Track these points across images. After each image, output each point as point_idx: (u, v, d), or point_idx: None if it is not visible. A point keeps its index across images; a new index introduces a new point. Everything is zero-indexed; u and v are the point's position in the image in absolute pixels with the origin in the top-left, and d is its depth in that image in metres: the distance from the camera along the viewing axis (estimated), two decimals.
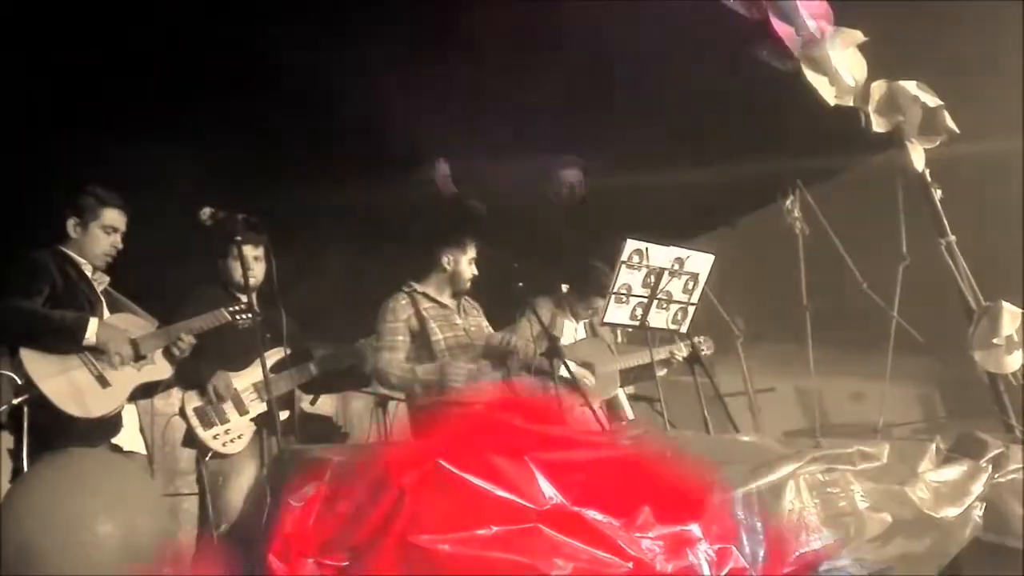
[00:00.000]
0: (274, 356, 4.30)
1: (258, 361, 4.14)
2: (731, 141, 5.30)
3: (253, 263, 4.44)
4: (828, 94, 5.05)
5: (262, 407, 4.37)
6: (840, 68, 5.04)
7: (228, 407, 4.34)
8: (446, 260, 4.59)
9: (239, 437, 4.31)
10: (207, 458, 4.24)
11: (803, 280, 5.61)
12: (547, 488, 2.28)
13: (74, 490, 2.18)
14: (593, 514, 2.32)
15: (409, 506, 2.15)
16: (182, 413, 4.33)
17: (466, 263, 4.59)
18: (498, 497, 2.21)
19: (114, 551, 2.08)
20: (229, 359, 4.34)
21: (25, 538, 2.08)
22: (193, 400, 4.33)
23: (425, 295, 4.54)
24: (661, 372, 4.84)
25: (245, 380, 4.39)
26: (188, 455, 4.67)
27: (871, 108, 5.28)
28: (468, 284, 4.60)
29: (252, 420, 4.37)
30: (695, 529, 2.49)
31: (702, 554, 2.45)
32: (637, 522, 2.38)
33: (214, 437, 4.26)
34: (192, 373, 4.26)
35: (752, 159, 5.41)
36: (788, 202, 5.80)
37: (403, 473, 2.18)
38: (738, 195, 6.06)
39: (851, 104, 5.19)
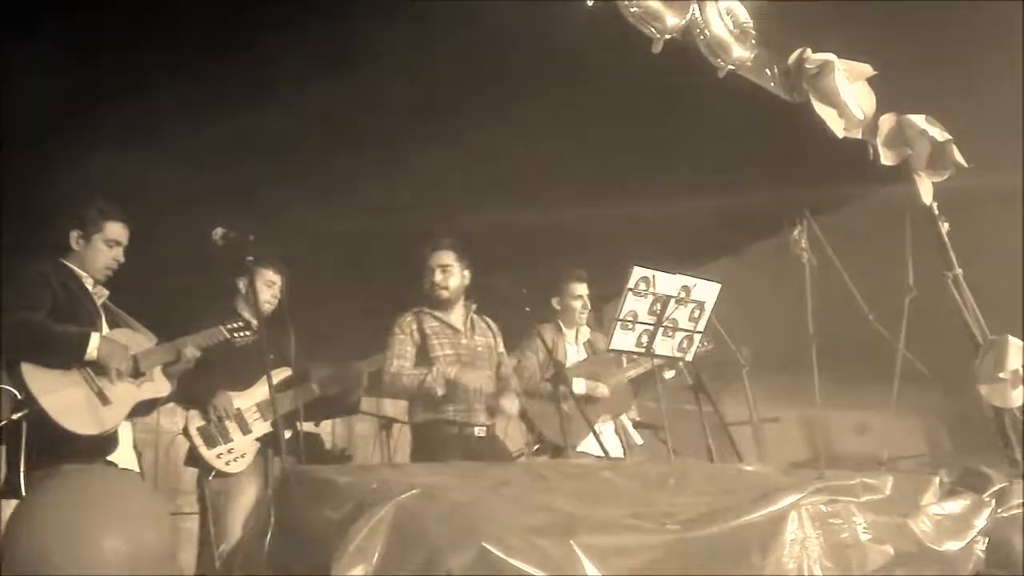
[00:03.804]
0: (279, 376, 4.34)
1: (261, 380, 4.18)
2: (739, 170, 5.33)
3: (267, 287, 4.54)
4: (837, 126, 5.09)
5: (265, 427, 4.40)
6: (849, 101, 5.08)
7: (231, 426, 4.36)
8: (424, 276, 4.61)
9: (242, 456, 4.33)
10: (210, 477, 4.25)
11: (810, 310, 5.61)
12: (593, 574, 2.28)
13: (82, 506, 2.18)
14: None
15: None
16: (185, 432, 4.35)
17: (438, 274, 4.59)
18: None
19: (121, 567, 2.09)
20: (234, 378, 4.37)
21: (34, 553, 2.09)
22: (196, 419, 4.35)
23: (431, 314, 4.55)
24: (670, 374, 4.81)
25: (248, 400, 4.42)
26: (190, 474, 4.69)
27: (879, 141, 5.32)
28: (447, 292, 4.55)
29: (256, 440, 4.38)
30: None
31: None
32: None
33: (218, 456, 4.27)
34: (195, 392, 4.28)
35: (760, 188, 5.44)
36: (796, 232, 5.82)
37: (451, 556, 2.18)
38: (745, 224, 6.09)
39: (860, 137, 5.23)
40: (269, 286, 4.61)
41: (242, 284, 4.55)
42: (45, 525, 2.13)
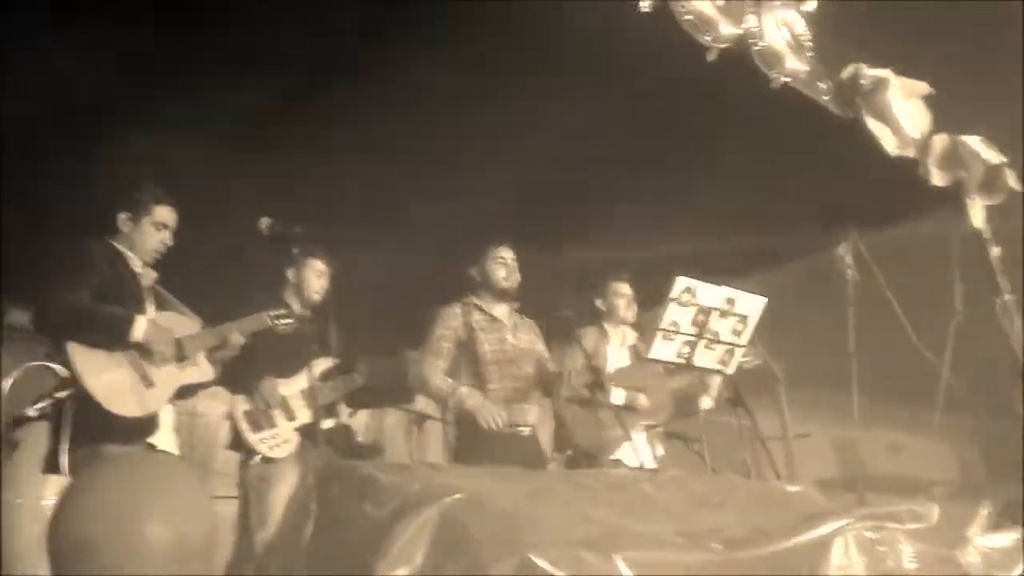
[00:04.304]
0: (322, 365, 4.36)
1: (307, 368, 4.19)
2: (787, 184, 5.27)
3: (316, 278, 4.59)
4: (889, 144, 5.02)
5: (310, 415, 4.40)
6: (902, 118, 5.00)
7: (277, 412, 4.37)
8: (474, 269, 4.60)
9: (286, 442, 4.34)
10: (253, 462, 4.26)
11: (851, 328, 5.53)
12: None
13: (129, 489, 2.18)
14: None
15: None
16: (231, 415, 4.36)
17: (494, 267, 4.58)
18: None
19: (166, 554, 2.09)
20: (280, 365, 4.37)
21: (81, 535, 2.10)
22: (242, 403, 4.37)
23: (478, 307, 4.55)
24: (707, 404, 4.76)
25: (294, 387, 4.42)
26: (224, 457, 4.72)
27: (931, 161, 5.23)
28: (506, 287, 4.57)
29: (299, 427, 4.39)
30: None
31: None
32: None
33: (261, 441, 4.28)
34: (242, 376, 4.29)
35: (807, 203, 5.38)
36: (841, 248, 5.74)
37: (494, 564, 2.17)
38: (791, 239, 6.02)
39: (912, 155, 5.15)
40: (319, 276, 4.62)
41: (291, 274, 4.56)
42: (92, 509, 2.13)
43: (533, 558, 2.16)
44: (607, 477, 3.45)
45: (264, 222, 3.91)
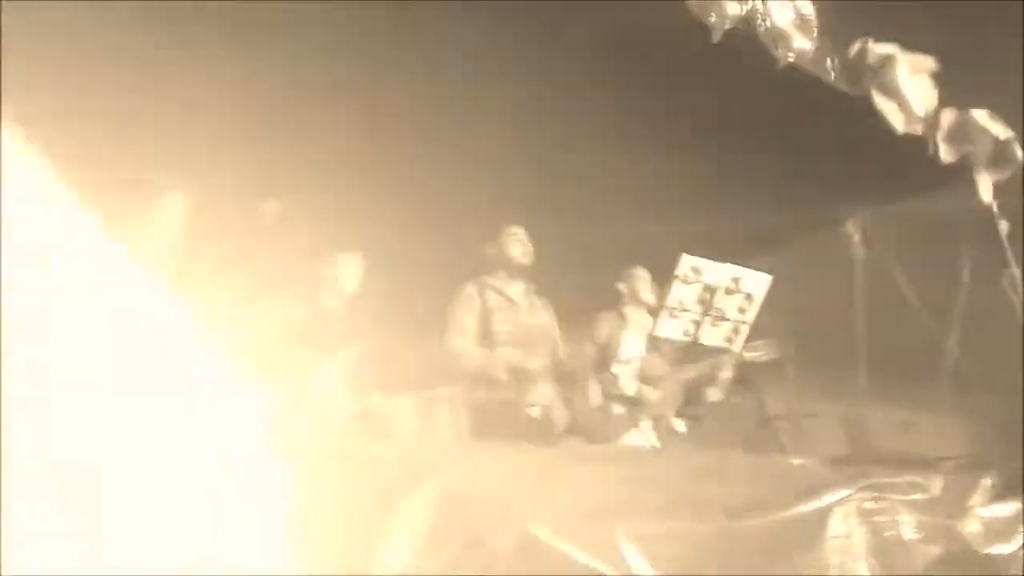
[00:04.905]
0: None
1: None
2: (795, 162, 5.26)
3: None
4: (897, 121, 4.99)
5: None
6: (910, 95, 4.98)
7: None
8: (491, 248, 4.63)
9: None
10: None
11: (859, 305, 5.55)
12: (634, 559, 2.28)
13: None
14: None
15: (500, 569, 2.18)
16: None
17: (510, 243, 4.60)
18: (585, 565, 2.22)
19: None
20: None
21: None
22: None
23: (493, 287, 4.58)
24: (725, 375, 4.74)
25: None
26: None
27: (940, 137, 5.21)
28: (523, 263, 4.60)
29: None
30: None
31: None
32: None
33: None
34: None
35: (815, 181, 5.37)
36: (849, 225, 5.75)
37: (495, 537, 2.21)
38: (797, 215, 6.00)
39: (920, 132, 5.13)
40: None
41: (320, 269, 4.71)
42: None
43: (532, 530, 2.21)
44: (611, 452, 3.50)
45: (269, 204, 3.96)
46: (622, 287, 5.07)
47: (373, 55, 4.17)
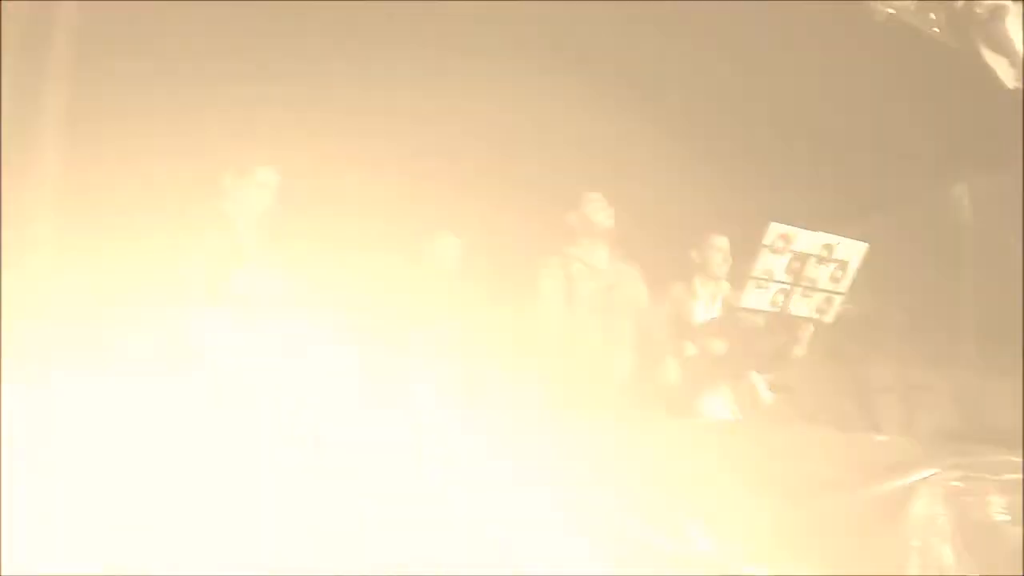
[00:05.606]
0: None
1: None
2: (898, 124, 5.04)
3: None
4: (1007, 76, 4.72)
5: None
6: (1021, 47, 4.70)
7: None
8: (573, 217, 4.55)
9: None
10: None
11: (970, 274, 5.30)
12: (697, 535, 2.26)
13: None
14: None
15: None
16: None
17: (592, 212, 4.54)
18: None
19: None
20: None
21: None
22: None
23: (577, 258, 4.52)
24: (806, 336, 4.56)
25: None
26: None
27: None
28: (607, 226, 4.52)
29: None
30: None
31: None
32: None
33: None
34: None
35: (919, 144, 5.13)
36: (956, 190, 5.49)
37: None
38: (903, 181, 5.75)
39: None
40: None
41: None
42: None
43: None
44: (689, 425, 3.43)
45: None
46: (695, 255, 4.93)
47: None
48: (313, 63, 4.40)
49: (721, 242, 4.89)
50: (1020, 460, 2.95)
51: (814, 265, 4.11)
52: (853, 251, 4.18)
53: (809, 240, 4.09)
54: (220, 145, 4.09)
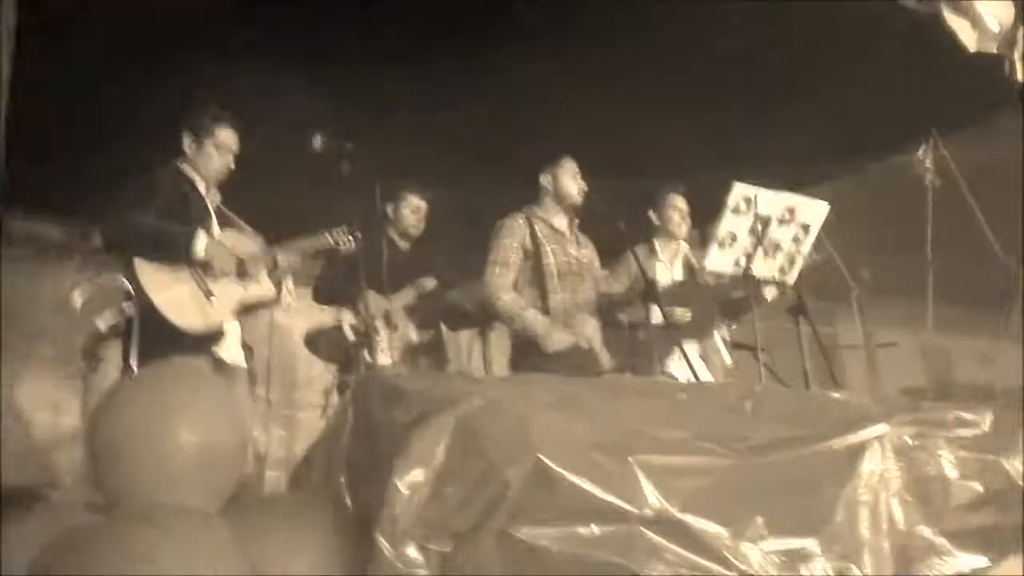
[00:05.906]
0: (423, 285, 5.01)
1: (408, 287, 4.83)
2: (862, 86, 5.06)
3: (411, 213, 5.07)
4: (969, 40, 4.75)
5: (410, 329, 4.90)
6: (984, 12, 4.72)
7: (380, 323, 4.64)
8: (545, 179, 4.55)
9: (382, 351, 4.61)
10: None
11: (929, 234, 5.37)
12: (650, 492, 2.26)
13: (157, 395, 2.32)
14: (699, 522, 2.27)
15: (512, 500, 2.19)
16: (340, 327, 4.75)
17: (568, 178, 4.54)
18: (600, 497, 2.22)
19: (192, 455, 2.22)
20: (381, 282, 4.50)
21: (114, 437, 2.24)
22: (348, 316, 4.72)
23: (541, 219, 4.51)
24: (771, 293, 4.59)
25: (396, 302, 4.82)
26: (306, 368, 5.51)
27: (1016, 55, 4.93)
28: (576, 200, 4.52)
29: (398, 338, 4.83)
30: (812, 544, 2.40)
31: (819, 571, 2.37)
32: (747, 533, 2.32)
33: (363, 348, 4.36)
34: (345, 291, 4.58)
35: (882, 105, 5.16)
36: (920, 152, 5.53)
37: (508, 467, 2.21)
38: (865, 142, 5.79)
39: (994, 51, 4.86)
40: (414, 212, 5.08)
41: (389, 209, 5.02)
42: (120, 413, 2.28)
43: (544, 459, 2.21)
44: (644, 385, 3.45)
45: (317, 140, 3.98)
46: (653, 216, 4.96)
47: None
48: None
49: (680, 201, 4.93)
50: (973, 416, 3.00)
51: (776, 226, 4.16)
52: (814, 213, 4.23)
53: (771, 202, 4.13)
54: None
